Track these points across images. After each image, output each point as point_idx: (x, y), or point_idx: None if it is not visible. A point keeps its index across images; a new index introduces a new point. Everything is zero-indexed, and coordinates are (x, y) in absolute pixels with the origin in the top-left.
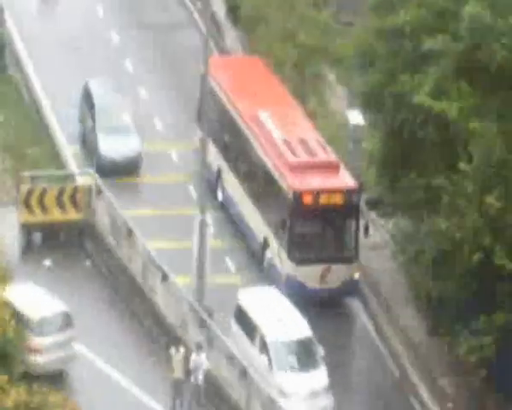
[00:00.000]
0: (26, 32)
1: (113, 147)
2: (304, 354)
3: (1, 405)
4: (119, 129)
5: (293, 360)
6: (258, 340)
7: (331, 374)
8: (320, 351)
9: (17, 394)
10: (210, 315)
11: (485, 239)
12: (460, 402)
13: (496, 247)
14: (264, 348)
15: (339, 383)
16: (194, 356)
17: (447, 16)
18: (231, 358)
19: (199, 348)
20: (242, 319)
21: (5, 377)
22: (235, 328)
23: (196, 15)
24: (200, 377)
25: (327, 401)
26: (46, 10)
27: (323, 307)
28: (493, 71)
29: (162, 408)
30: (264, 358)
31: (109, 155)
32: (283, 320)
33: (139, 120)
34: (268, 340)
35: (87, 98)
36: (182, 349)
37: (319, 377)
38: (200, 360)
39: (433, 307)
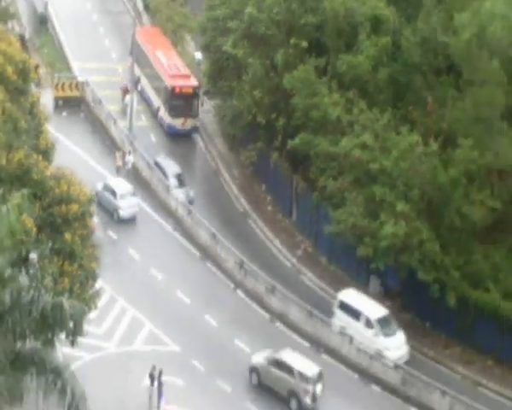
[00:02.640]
0: (56, 13)
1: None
2: (390, 324)
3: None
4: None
5: (387, 329)
6: (362, 319)
7: (186, 170)
8: (394, 321)
9: None
10: (134, 139)
11: (253, 109)
12: (241, 179)
13: (258, 113)
14: (368, 323)
15: (188, 174)
16: (127, 156)
17: (240, 12)
18: (144, 159)
19: (129, 152)
20: (345, 307)
21: None
22: (341, 313)
23: (129, 7)
24: (130, 165)
25: (405, 350)
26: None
27: (183, 137)
28: (258, 36)
29: (110, 175)
30: (369, 330)
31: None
32: (372, 305)
33: (108, 54)
34: (372, 318)
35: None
36: (121, 151)
37: (401, 337)
38: (130, 158)
39: (231, 138)
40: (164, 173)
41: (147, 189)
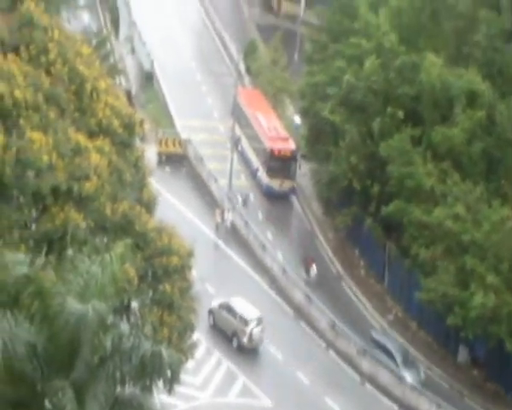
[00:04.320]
0: (161, 70)
1: None
2: None
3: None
4: None
5: None
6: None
7: (282, 230)
8: None
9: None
10: (234, 197)
11: (349, 174)
12: (334, 242)
13: (353, 179)
14: None
15: (284, 234)
16: (226, 213)
17: (338, 79)
18: (245, 220)
19: (228, 209)
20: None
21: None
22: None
23: (232, 68)
24: (228, 223)
25: None
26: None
27: (281, 198)
28: (356, 103)
29: (209, 230)
30: None
31: None
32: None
33: (210, 113)
34: None
35: None
36: (220, 209)
37: None
38: (229, 216)
39: (326, 201)
40: (387, 353)
41: (244, 246)
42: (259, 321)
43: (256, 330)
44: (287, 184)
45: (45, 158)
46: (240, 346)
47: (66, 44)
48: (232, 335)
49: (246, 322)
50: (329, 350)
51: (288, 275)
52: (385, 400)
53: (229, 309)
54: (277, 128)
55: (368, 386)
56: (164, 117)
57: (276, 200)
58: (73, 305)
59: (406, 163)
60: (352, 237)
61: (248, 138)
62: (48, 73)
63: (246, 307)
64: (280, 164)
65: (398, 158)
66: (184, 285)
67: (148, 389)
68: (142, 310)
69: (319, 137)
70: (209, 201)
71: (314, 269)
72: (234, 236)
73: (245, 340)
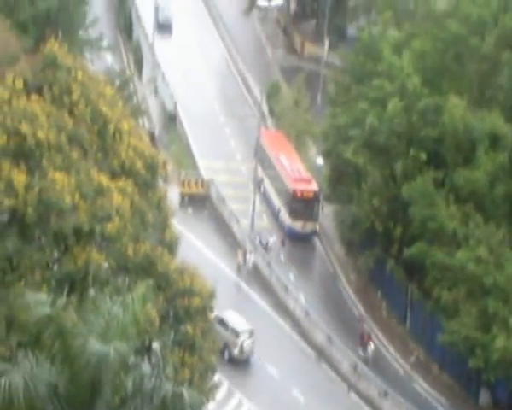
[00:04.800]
0: (184, 111)
1: None
2: None
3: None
4: None
5: None
6: None
7: (304, 272)
8: None
9: None
10: (255, 238)
11: (371, 216)
12: (357, 283)
13: (376, 221)
14: None
15: (306, 276)
16: (248, 254)
17: (361, 120)
18: (268, 263)
19: (250, 251)
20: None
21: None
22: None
23: (255, 110)
24: (251, 264)
25: None
26: None
27: (303, 240)
28: (379, 145)
29: (230, 271)
30: None
31: None
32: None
33: (233, 154)
34: None
35: None
36: (242, 250)
37: None
38: (251, 257)
39: (348, 244)
40: None
41: (266, 288)
42: (251, 333)
43: (247, 342)
44: (309, 226)
45: (68, 199)
46: (231, 358)
47: (89, 85)
48: (224, 347)
49: (237, 334)
50: (351, 392)
51: (311, 317)
52: None
53: (221, 322)
54: (300, 170)
55: None
56: (187, 158)
57: (299, 241)
58: (95, 345)
59: (429, 205)
60: (375, 279)
61: (271, 180)
62: (71, 113)
63: (237, 320)
64: (302, 205)
65: (421, 200)
66: (206, 326)
67: None
68: (163, 351)
69: (341, 179)
70: (231, 242)
71: (372, 346)
72: (256, 277)
73: (236, 352)
